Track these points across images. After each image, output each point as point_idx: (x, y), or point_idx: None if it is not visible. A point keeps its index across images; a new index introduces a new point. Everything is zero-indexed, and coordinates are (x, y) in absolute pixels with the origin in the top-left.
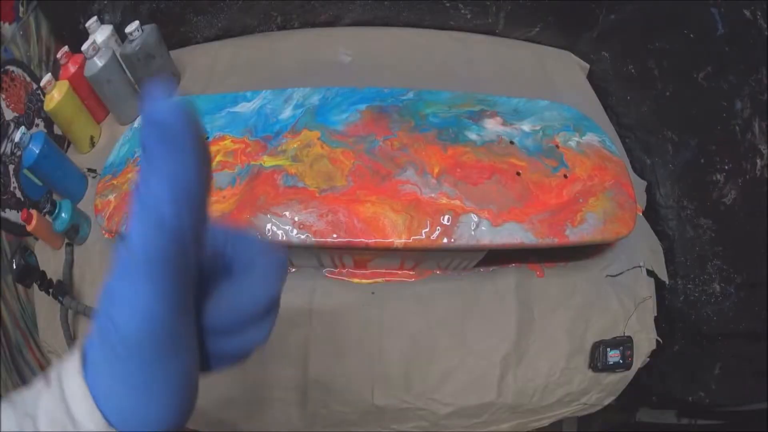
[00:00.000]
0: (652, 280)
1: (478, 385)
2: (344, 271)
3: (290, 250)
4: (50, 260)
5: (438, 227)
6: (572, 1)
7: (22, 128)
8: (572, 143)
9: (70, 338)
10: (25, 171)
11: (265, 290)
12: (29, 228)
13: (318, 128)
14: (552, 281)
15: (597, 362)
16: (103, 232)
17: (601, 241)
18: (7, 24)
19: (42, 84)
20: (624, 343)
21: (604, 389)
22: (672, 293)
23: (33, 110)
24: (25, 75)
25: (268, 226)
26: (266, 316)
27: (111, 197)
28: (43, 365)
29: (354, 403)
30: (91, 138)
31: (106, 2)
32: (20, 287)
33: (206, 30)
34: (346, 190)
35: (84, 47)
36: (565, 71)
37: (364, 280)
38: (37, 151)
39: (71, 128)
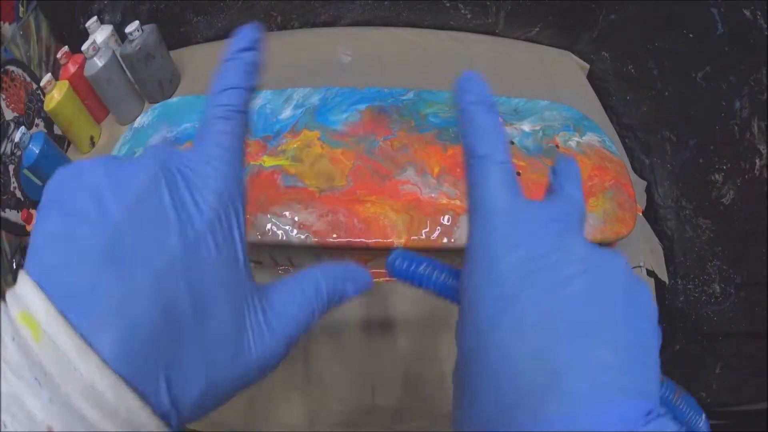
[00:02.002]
0: (652, 280)
1: None
2: None
3: (290, 250)
4: None
5: (438, 227)
6: (572, 1)
7: (22, 128)
8: (572, 143)
9: None
10: (25, 171)
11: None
12: (29, 228)
13: (318, 128)
14: None
15: None
16: None
17: (601, 241)
18: (7, 24)
19: (42, 84)
20: None
21: None
22: (672, 293)
23: (33, 110)
24: (25, 75)
25: (268, 226)
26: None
27: None
28: None
29: (354, 403)
30: (91, 138)
31: (106, 2)
32: None
33: (206, 30)
34: (346, 190)
35: (84, 47)
36: (565, 71)
37: None
38: (37, 151)
39: (71, 128)
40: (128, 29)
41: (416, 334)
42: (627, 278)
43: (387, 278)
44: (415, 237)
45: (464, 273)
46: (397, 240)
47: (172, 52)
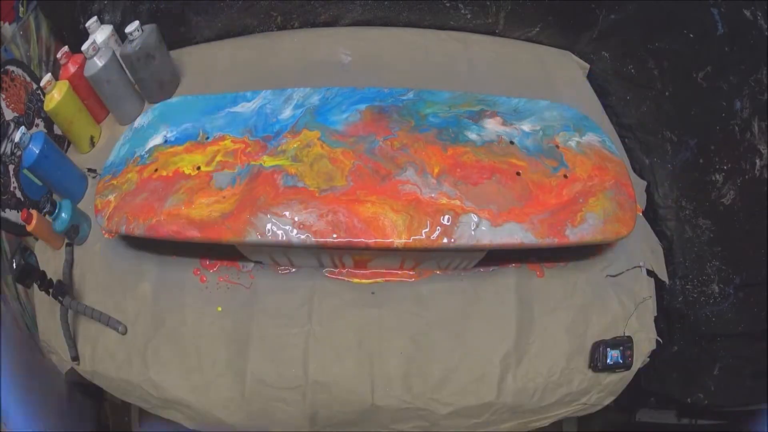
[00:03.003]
0: (652, 280)
1: (478, 385)
2: (344, 271)
3: (290, 250)
4: (50, 260)
5: (438, 227)
6: (572, 1)
7: (22, 128)
8: (572, 143)
9: (70, 338)
10: (25, 171)
11: None
12: (29, 228)
13: (318, 128)
14: (552, 281)
15: (597, 362)
16: (103, 232)
17: (601, 241)
18: (7, 24)
19: (42, 84)
20: (624, 343)
21: (604, 389)
22: (671, 294)
23: (33, 110)
24: (25, 75)
25: (268, 226)
26: None
27: (111, 197)
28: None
29: (354, 403)
30: (91, 138)
31: (106, 2)
32: (20, 287)
33: (206, 30)
34: (346, 190)
35: (84, 47)
36: (565, 71)
37: (364, 280)
38: (37, 151)
39: (71, 128)
40: (128, 29)
41: (416, 334)
42: None
43: (386, 278)
44: (415, 237)
45: None
46: (397, 240)
47: (172, 52)
